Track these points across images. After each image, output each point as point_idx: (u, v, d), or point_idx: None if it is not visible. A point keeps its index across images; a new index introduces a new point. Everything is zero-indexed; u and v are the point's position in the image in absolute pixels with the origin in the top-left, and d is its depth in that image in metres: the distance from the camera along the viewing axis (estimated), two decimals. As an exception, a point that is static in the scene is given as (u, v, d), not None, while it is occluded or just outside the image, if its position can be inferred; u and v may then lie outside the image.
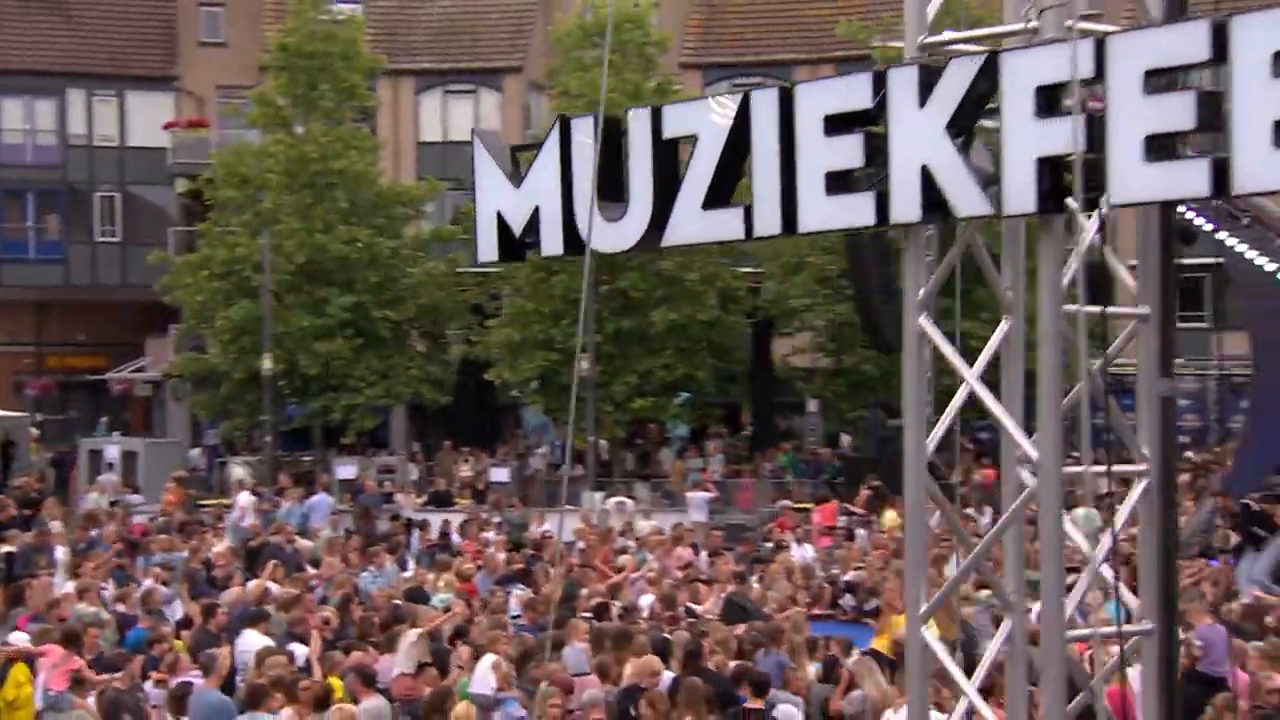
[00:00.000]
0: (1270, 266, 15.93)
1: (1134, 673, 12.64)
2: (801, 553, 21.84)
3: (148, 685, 13.76)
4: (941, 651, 7.03)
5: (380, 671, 13.78)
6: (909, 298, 7.26)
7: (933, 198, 6.56)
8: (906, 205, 6.65)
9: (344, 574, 19.19)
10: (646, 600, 17.17)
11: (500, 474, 35.55)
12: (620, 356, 36.08)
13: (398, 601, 16.86)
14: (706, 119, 7.26)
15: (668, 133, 7.38)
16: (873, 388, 35.71)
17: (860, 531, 25.57)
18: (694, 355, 36.38)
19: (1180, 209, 16.14)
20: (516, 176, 7.84)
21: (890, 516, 25.41)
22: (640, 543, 22.06)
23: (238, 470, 34.85)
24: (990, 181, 6.43)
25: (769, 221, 7.07)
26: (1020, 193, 6.31)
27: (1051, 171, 6.26)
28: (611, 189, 7.47)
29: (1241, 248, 16.08)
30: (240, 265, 37.71)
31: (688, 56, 47.47)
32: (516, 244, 7.88)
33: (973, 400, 7.04)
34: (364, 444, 40.05)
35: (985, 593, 15.12)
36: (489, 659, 13.24)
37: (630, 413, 36.41)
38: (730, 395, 39.62)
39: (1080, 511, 20.92)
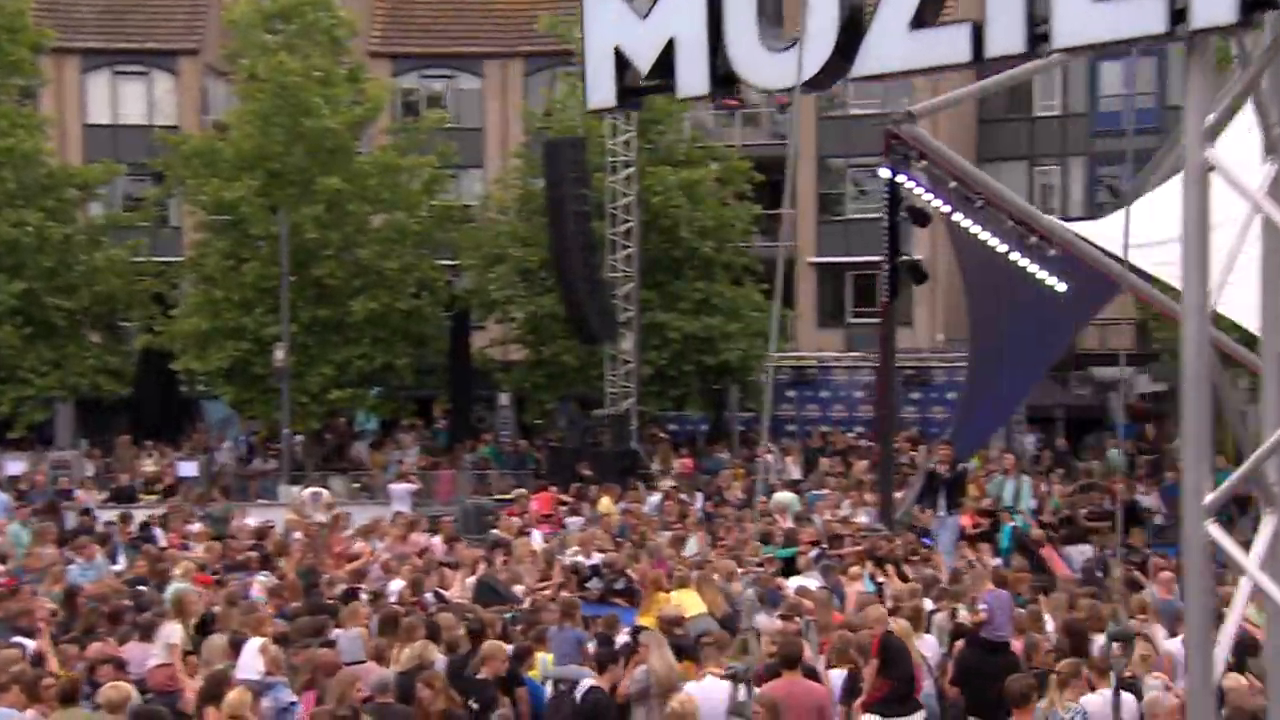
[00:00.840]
0: (1002, 248, 16.73)
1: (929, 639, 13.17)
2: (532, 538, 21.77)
3: None
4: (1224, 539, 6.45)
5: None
6: (1190, 122, 6.40)
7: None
8: (1220, 4, 5.87)
9: (58, 566, 17.96)
10: (395, 585, 16.76)
11: (189, 468, 34.02)
12: (316, 346, 35.14)
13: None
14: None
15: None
16: (571, 379, 36.01)
17: (574, 519, 25.67)
18: (392, 346, 35.78)
19: (913, 189, 16.94)
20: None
21: (605, 503, 25.81)
22: (366, 530, 21.48)
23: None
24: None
25: (1009, 38, 6.11)
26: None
27: None
28: (774, 10, 6.26)
29: (975, 229, 16.80)
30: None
31: (375, 45, 46.70)
32: (639, 86, 6.64)
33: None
34: (31, 439, 37.63)
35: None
36: (255, 643, 12.65)
37: (327, 404, 35.48)
38: (425, 387, 39.14)
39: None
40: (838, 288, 43.92)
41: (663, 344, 34.52)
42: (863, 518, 23.63)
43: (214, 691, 11.29)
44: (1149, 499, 27.36)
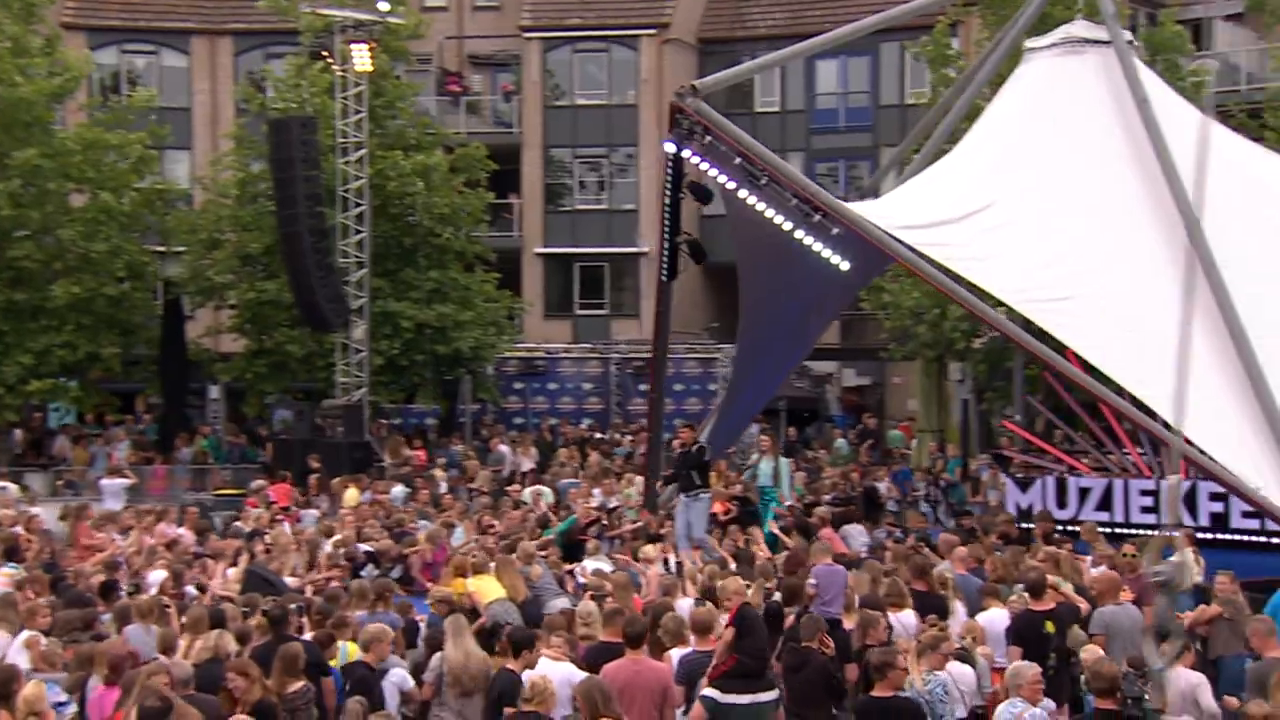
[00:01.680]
0: (788, 225, 16.75)
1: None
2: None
3: None
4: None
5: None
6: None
7: None
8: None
9: None
10: (156, 576, 15.55)
11: None
12: (13, 334, 32.62)
13: None
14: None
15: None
16: (294, 370, 34.59)
17: (309, 512, 24.60)
18: (98, 334, 33.53)
19: (699, 164, 16.80)
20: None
21: (351, 494, 24.86)
22: (103, 522, 19.95)
23: None
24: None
25: None
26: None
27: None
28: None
29: (761, 206, 16.77)
30: None
31: (70, 16, 43.85)
32: None
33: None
34: None
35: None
36: (23, 636, 11.43)
37: (24, 396, 32.98)
38: (133, 379, 36.92)
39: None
40: (565, 279, 43.70)
41: (394, 333, 33.49)
42: (614, 503, 23.44)
43: (3, 690, 10.04)
44: (883, 485, 28.05)
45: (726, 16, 45.28)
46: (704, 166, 16.95)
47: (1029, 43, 20.15)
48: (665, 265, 18.82)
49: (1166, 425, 14.42)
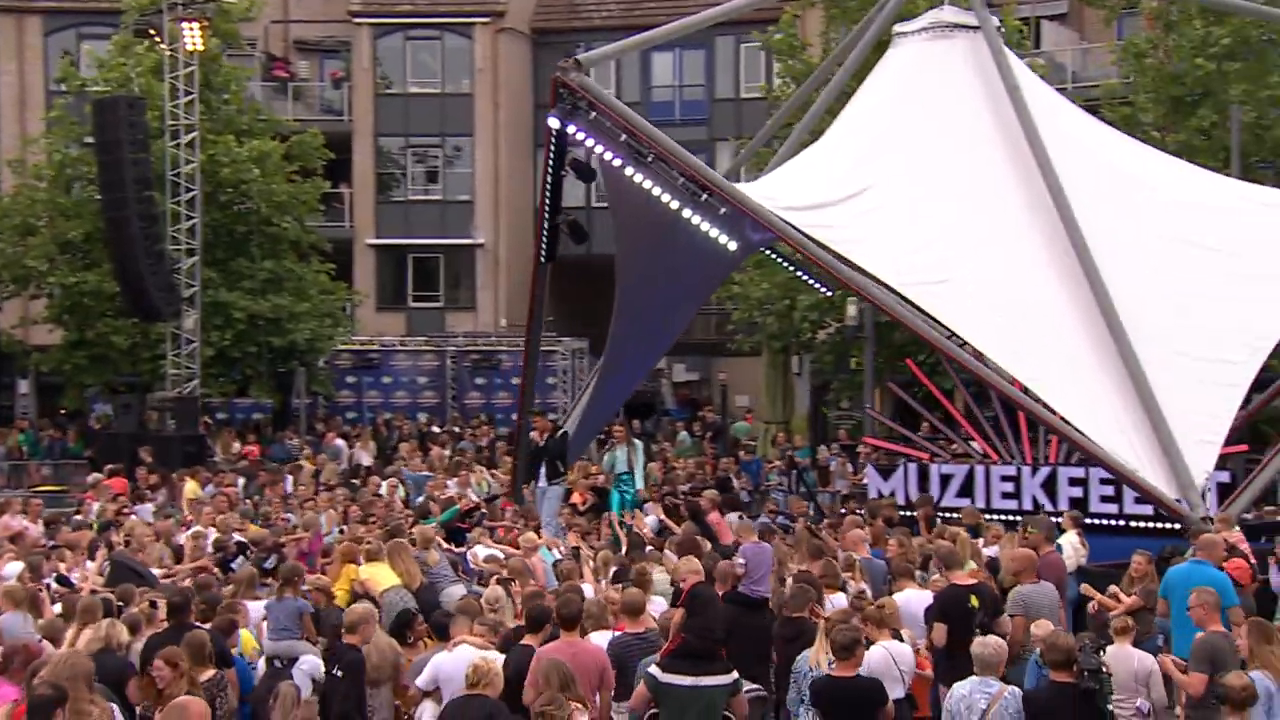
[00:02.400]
0: (675, 204, 16.48)
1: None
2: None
3: None
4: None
5: None
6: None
7: None
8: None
9: None
10: (12, 569, 14.52)
11: None
12: None
13: None
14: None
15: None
16: (118, 362, 33.08)
17: (143, 506, 23.47)
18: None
19: (584, 139, 16.41)
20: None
21: (192, 486, 23.87)
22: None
23: None
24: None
25: None
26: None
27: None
28: None
29: (648, 184, 16.46)
30: None
31: None
32: None
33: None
34: None
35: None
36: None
37: None
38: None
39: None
40: (398, 271, 42.74)
41: (225, 324, 32.24)
42: (472, 495, 22.91)
43: None
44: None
45: (561, 7, 44.89)
46: (590, 143, 16.55)
47: (897, 27, 20.30)
48: (545, 247, 18.33)
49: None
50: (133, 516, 19.61)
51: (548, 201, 17.63)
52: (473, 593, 13.08)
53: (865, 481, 22.45)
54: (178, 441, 29.55)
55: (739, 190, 16.87)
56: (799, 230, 16.65)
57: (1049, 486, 19.30)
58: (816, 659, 10.00)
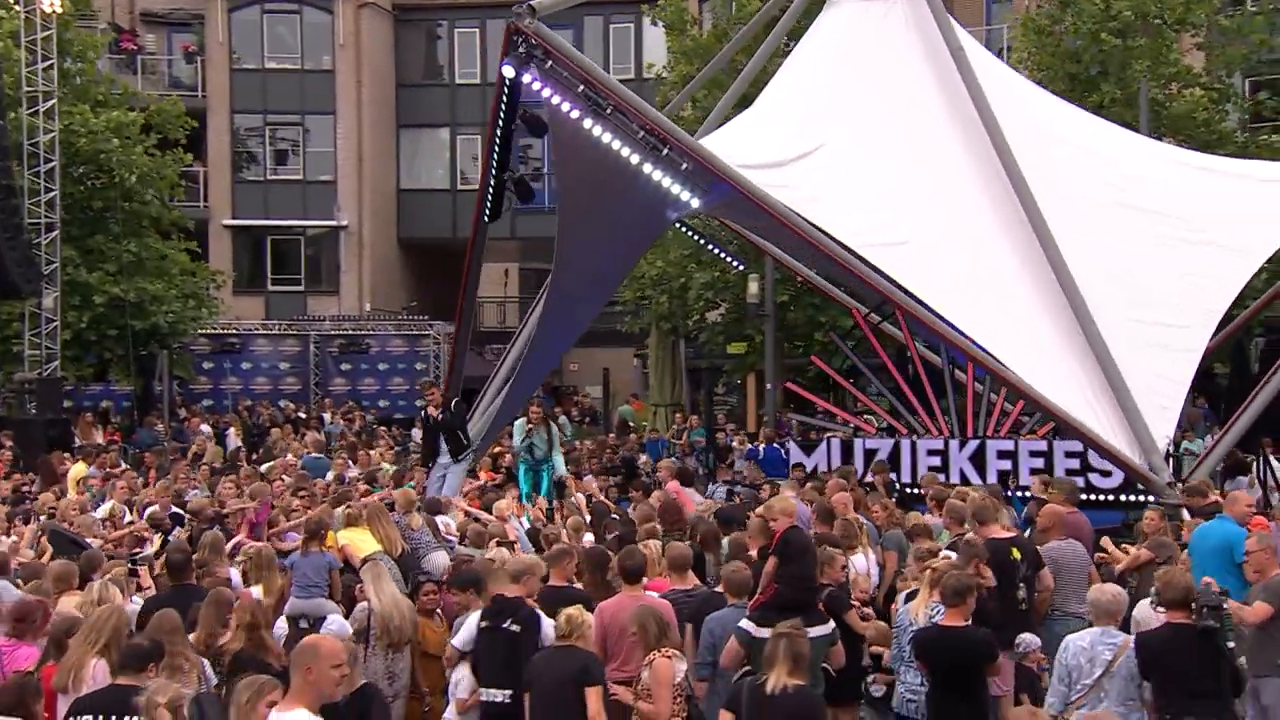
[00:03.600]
0: (635, 159, 15.80)
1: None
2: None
3: None
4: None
5: None
6: None
7: None
8: None
9: None
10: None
11: None
12: None
13: None
14: None
15: None
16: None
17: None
18: None
19: (539, 87, 15.63)
20: None
21: (79, 468, 22.41)
22: None
23: None
24: None
25: None
26: None
27: None
28: None
29: (607, 137, 15.72)
30: None
31: None
32: None
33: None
34: None
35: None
36: None
37: None
38: None
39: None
40: (256, 252, 41.12)
41: (83, 304, 30.44)
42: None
43: None
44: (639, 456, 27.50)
45: (424, -17, 43.89)
46: (546, 93, 15.73)
47: (832, -13, 20.00)
48: (489, 204, 17.39)
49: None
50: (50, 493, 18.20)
51: (494, 157, 16.75)
52: (460, 558, 12.33)
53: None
54: (40, 425, 27.77)
55: (701, 146, 16.27)
56: (760, 188, 16.14)
57: (977, 460, 19.16)
58: (919, 612, 9.43)
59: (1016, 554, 11.05)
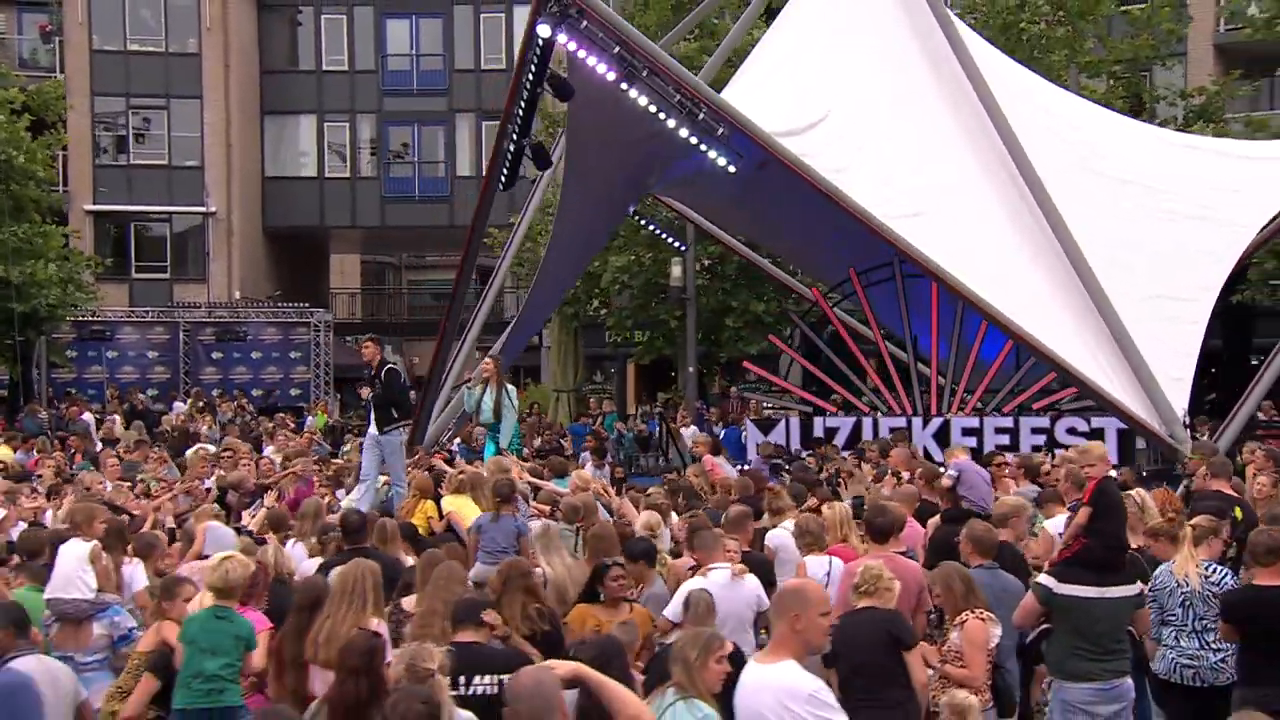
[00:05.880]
0: (671, 122, 15.82)
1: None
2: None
3: None
4: None
5: None
6: None
7: None
8: None
9: None
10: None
11: None
12: None
13: None
14: None
15: None
16: None
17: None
18: None
19: (575, 48, 15.53)
20: None
21: (4, 452, 21.37)
22: None
23: None
24: None
25: None
26: None
27: None
28: None
29: (644, 100, 15.68)
30: None
31: None
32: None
33: None
34: None
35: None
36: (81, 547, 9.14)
37: None
38: None
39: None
40: (119, 239, 39.47)
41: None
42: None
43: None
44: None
45: (289, -33, 42.90)
46: (582, 54, 15.60)
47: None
48: (505, 170, 17.02)
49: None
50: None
51: (516, 121, 16.41)
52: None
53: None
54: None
55: (739, 110, 16.34)
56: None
57: (941, 438, 19.28)
58: (1186, 570, 8.91)
59: (1239, 513, 10.85)
